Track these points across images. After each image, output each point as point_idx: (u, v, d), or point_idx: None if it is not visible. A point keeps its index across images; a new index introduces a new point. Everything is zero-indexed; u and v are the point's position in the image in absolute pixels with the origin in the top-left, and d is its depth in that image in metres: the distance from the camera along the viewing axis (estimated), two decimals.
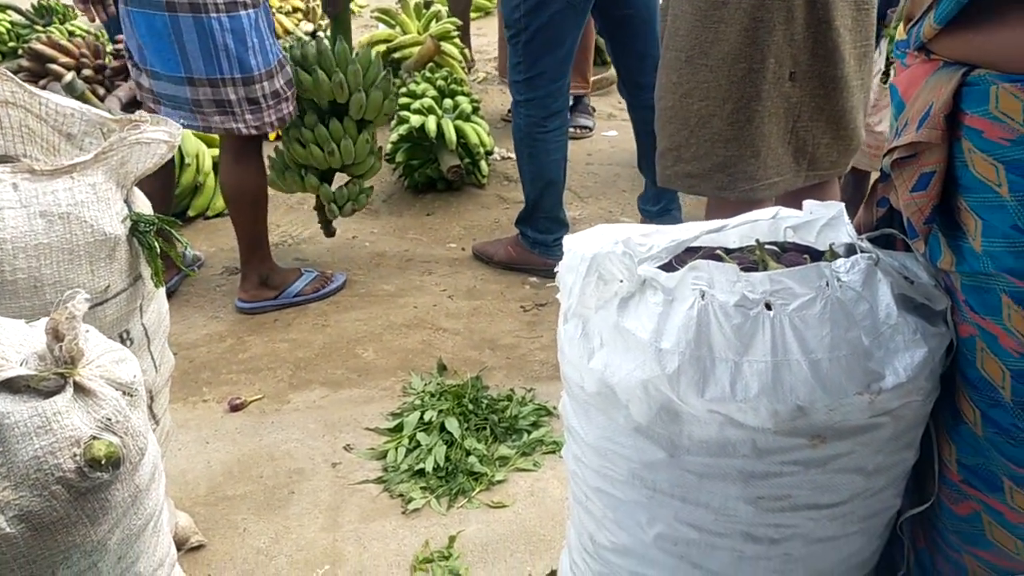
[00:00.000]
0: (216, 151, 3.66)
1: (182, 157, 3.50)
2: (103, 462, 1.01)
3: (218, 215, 3.70)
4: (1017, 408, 1.04)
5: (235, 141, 2.77)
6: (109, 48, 4.90)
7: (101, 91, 4.66)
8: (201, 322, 2.91)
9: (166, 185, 3.00)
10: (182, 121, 2.62)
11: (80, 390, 1.04)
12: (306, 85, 2.89)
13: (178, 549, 1.91)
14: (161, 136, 1.44)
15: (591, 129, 4.66)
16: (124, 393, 1.08)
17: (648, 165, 3.08)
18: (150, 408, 1.67)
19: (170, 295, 3.02)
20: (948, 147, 1.02)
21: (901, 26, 1.13)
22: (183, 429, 2.34)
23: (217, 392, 2.53)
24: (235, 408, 2.44)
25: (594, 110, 4.78)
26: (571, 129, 4.48)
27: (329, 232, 3.27)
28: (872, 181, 1.23)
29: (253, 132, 2.70)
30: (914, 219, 1.08)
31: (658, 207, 3.30)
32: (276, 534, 1.97)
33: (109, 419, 1.04)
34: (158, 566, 1.31)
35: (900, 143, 1.05)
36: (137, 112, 1.50)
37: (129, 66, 2.79)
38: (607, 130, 4.76)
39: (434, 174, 3.82)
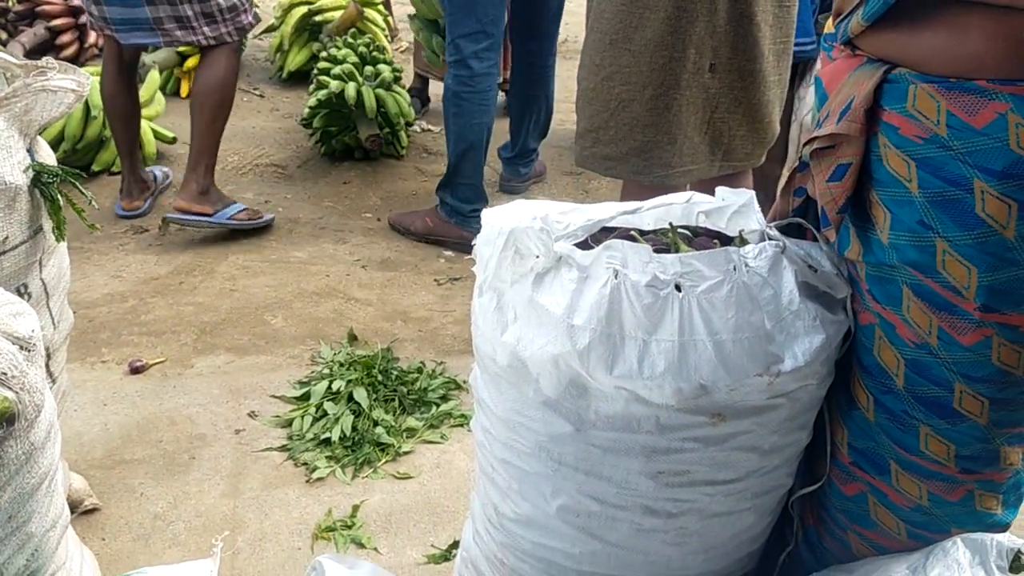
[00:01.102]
0: None
1: (88, 109, 3.36)
2: None
3: None
4: (908, 395, 1.09)
5: (206, 50, 2.97)
6: None
7: (3, 36, 4.44)
8: (102, 281, 2.81)
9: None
10: (144, 40, 2.89)
11: None
12: None
13: (71, 512, 1.86)
14: (68, 84, 1.38)
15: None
16: (21, 348, 1.04)
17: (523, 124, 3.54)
18: (47, 366, 1.61)
19: (142, 215, 3.21)
20: (865, 141, 1.06)
21: (830, 20, 1.16)
22: (80, 390, 2.27)
23: (117, 353, 2.45)
24: (135, 371, 2.37)
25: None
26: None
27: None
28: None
29: (212, 43, 2.91)
30: (828, 208, 1.11)
31: (512, 155, 3.68)
32: (174, 499, 1.93)
33: (4, 373, 1.01)
34: (50, 527, 1.27)
35: (820, 134, 1.09)
36: (44, 58, 1.43)
37: None
38: None
39: (352, 142, 3.77)
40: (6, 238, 1.36)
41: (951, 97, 0.95)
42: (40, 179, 1.39)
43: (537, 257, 1.09)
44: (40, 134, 1.45)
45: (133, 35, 2.88)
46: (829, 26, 1.16)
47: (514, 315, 1.12)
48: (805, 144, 1.13)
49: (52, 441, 1.18)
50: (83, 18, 4.60)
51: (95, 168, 3.49)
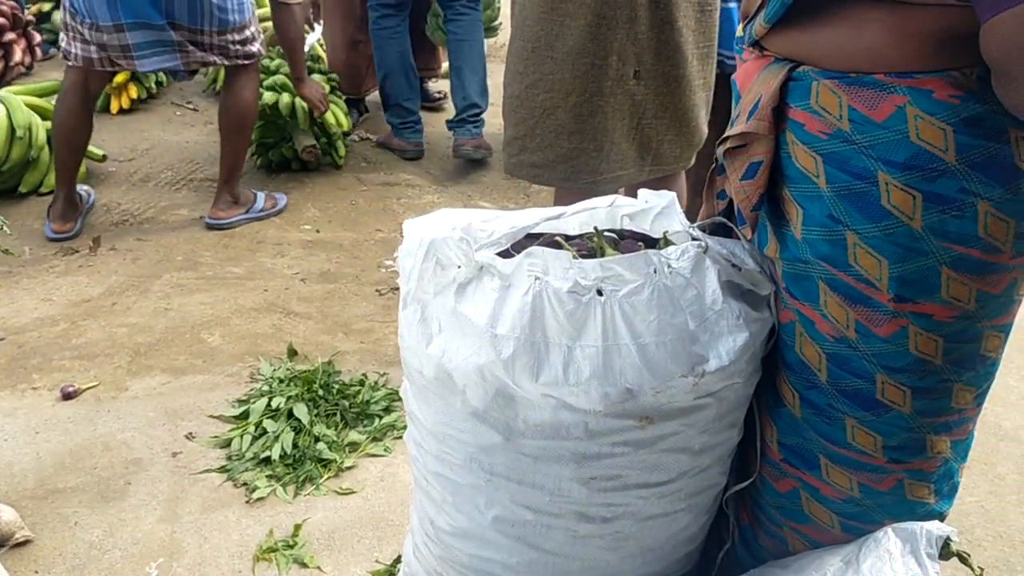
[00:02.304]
0: (50, 123, 3.45)
1: (12, 130, 3.26)
2: None
3: (52, 192, 3.47)
4: (832, 389, 1.11)
5: (231, 71, 3.18)
6: None
7: None
8: (31, 305, 2.73)
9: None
10: (164, 64, 3.02)
11: None
12: None
13: (2, 545, 1.80)
14: None
15: (441, 93, 4.76)
16: None
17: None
18: None
19: (74, 237, 3.18)
20: (775, 139, 1.08)
21: (740, 25, 1.18)
22: (10, 419, 2.20)
23: (48, 379, 2.38)
24: (68, 396, 2.31)
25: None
26: (436, 94, 4.67)
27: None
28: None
29: (226, 64, 3.13)
30: (742, 206, 1.14)
31: (458, 116, 3.96)
32: (110, 527, 1.88)
33: None
34: None
35: (732, 133, 1.11)
36: None
37: (82, 28, 2.91)
38: None
39: (289, 154, 3.72)
40: None
41: (851, 92, 0.97)
42: None
43: (458, 267, 1.08)
44: None
45: (153, 60, 2.99)
46: (739, 30, 1.18)
47: (438, 327, 1.10)
48: (718, 144, 1.14)
49: None
50: (7, 36, 4.47)
51: (22, 190, 3.39)
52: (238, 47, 3.11)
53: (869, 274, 1.02)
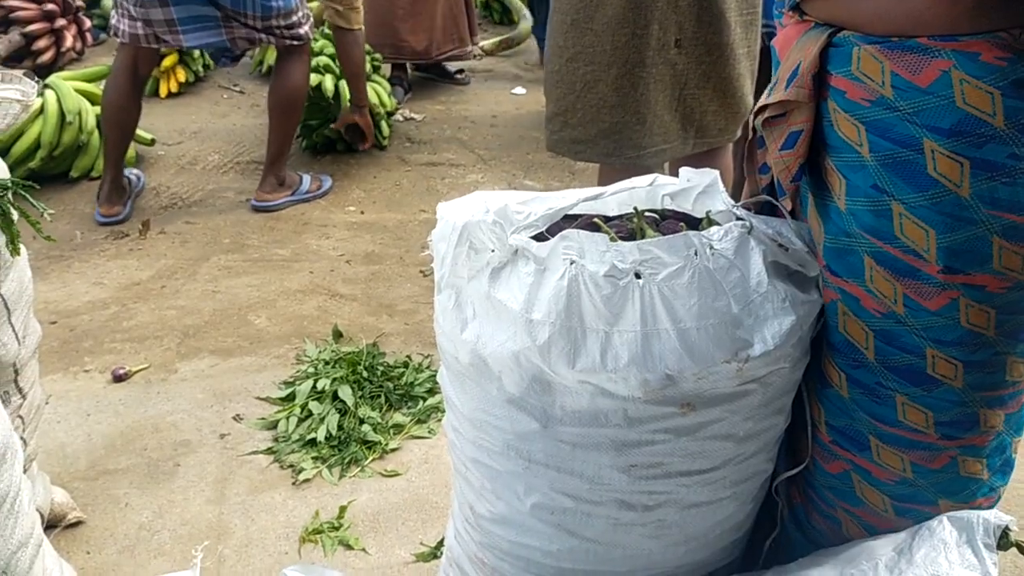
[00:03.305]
0: (99, 109, 3.49)
1: (63, 115, 3.31)
2: None
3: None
4: (880, 367, 1.08)
5: (281, 54, 3.20)
6: None
7: None
8: (83, 288, 2.78)
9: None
10: (210, 39, 3.04)
11: None
12: None
13: (55, 526, 1.84)
14: (13, 95, 1.35)
15: (463, 72, 4.74)
16: None
17: None
18: (15, 383, 1.59)
19: (123, 220, 3.20)
20: (816, 107, 1.04)
21: None
22: (63, 401, 2.24)
23: (100, 362, 2.42)
24: (119, 378, 2.34)
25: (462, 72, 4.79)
26: (458, 75, 4.65)
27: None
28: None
29: (273, 43, 3.13)
30: (782, 177, 1.11)
31: None
32: (159, 508, 1.91)
33: None
34: (18, 548, 1.25)
35: (770, 101, 1.08)
36: None
37: (128, 5, 2.96)
38: (515, 88, 4.72)
39: (333, 135, 3.72)
40: None
41: (894, 57, 0.94)
42: None
43: (492, 251, 1.06)
44: (11, 144, 1.41)
45: (198, 35, 3.00)
46: None
47: (473, 312, 1.08)
48: (756, 113, 1.11)
49: (9, 463, 1.15)
50: (58, 22, 4.54)
51: (73, 174, 3.45)
52: (284, 31, 3.10)
53: (916, 245, 0.98)
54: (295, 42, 3.16)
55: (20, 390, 1.60)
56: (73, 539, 1.83)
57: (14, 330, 1.51)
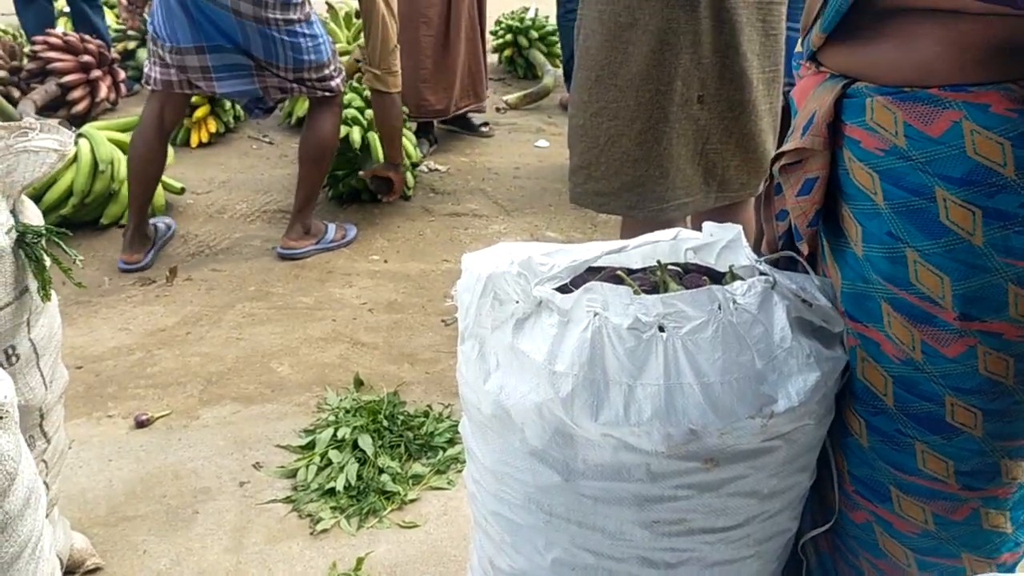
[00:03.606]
0: None
1: (96, 164, 3.38)
2: None
3: None
4: (900, 414, 1.07)
5: (313, 105, 3.28)
6: (26, 49, 4.75)
7: (16, 94, 4.51)
8: (109, 334, 2.81)
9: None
10: (242, 87, 3.11)
11: None
12: None
13: (73, 572, 1.83)
14: (51, 144, 1.38)
15: (488, 124, 4.81)
16: None
17: None
18: (40, 427, 1.60)
19: (144, 268, 3.27)
20: (831, 156, 1.07)
21: (800, 40, 1.17)
22: (85, 446, 2.25)
23: (123, 407, 2.44)
24: (141, 424, 2.35)
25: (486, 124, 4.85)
26: (483, 127, 4.71)
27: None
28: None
29: (304, 93, 3.20)
30: (799, 222, 1.13)
31: None
32: (177, 556, 1.90)
33: None
34: None
35: (786, 149, 1.11)
36: (26, 119, 1.43)
37: (163, 53, 3.06)
38: (538, 140, 4.76)
39: (359, 185, 3.77)
40: None
41: (906, 108, 0.96)
42: (24, 240, 1.38)
43: (516, 302, 1.06)
44: (36, 192, 1.45)
45: (231, 83, 3.09)
46: (799, 46, 1.17)
47: (496, 362, 1.08)
48: (773, 161, 1.14)
49: (33, 508, 1.15)
50: (93, 74, 4.66)
51: (104, 221, 3.51)
52: (316, 83, 3.18)
53: (932, 292, 0.99)
54: (327, 94, 3.23)
55: (45, 434, 1.61)
56: None
57: (42, 375, 1.52)
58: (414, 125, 4.27)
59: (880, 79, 0.99)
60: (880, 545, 1.17)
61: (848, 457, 1.16)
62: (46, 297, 1.44)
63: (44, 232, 1.40)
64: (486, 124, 4.83)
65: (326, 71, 3.18)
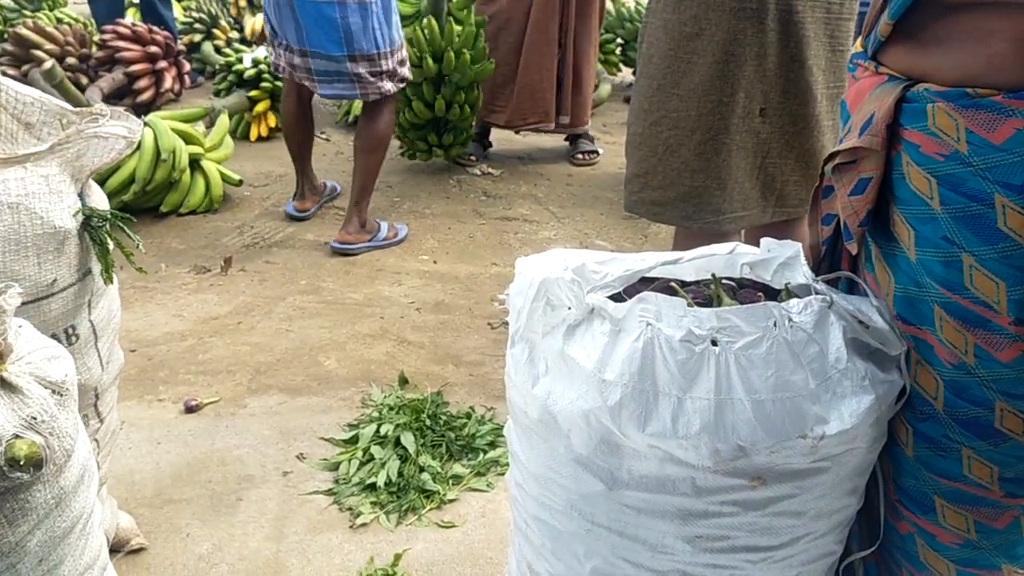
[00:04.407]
0: (193, 147, 3.64)
1: (158, 153, 3.46)
2: (23, 462, 0.98)
3: (191, 212, 3.66)
4: (948, 419, 1.07)
5: (376, 106, 3.34)
6: (95, 38, 4.87)
7: (84, 80, 4.64)
8: (163, 320, 2.87)
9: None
10: (343, 92, 3.27)
11: (6, 386, 1.01)
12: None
13: (118, 551, 1.87)
14: (120, 131, 1.41)
15: (598, 153, 4.65)
16: (53, 392, 1.05)
17: None
18: (95, 406, 1.64)
19: (310, 218, 3.70)
20: (887, 158, 1.07)
21: (859, 40, 1.17)
22: (135, 428, 2.30)
23: (174, 392, 2.49)
24: (190, 409, 2.40)
25: (593, 139, 4.75)
26: (579, 155, 4.55)
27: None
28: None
29: (395, 89, 3.33)
30: (849, 221, 1.12)
31: None
32: (219, 541, 1.93)
33: (34, 418, 1.01)
34: (86, 569, 1.27)
35: (842, 148, 1.10)
36: (98, 105, 1.47)
37: (275, 48, 3.32)
38: (592, 148, 4.75)
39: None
40: (54, 280, 1.38)
41: (968, 115, 0.95)
42: (90, 223, 1.42)
43: (569, 308, 1.06)
44: (101, 177, 1.49)
45: (333, 87, 3.26)
46: (858, 46, 1.16)
47: (545, 367, 1.08)
48: (827, 160, 1.13)
49: (86, 484, 1.18)
50: (159, 64, 4.77)
51: (163, 209, 3.59)
52: (399, 72, 3.32)
53: (987, 297, 0.98)
54: (400, 86, 3.37)
55: (99, 414, 1.65)
56: (134, 565, 1.86)
57: (99, 355, 1.56)
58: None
59: (943, 79, 0.98)
60: (921, 558, 1.16)
61: (894, 466, 1.15)
62: (108, 280, 1.47)
63: (109, 216, 1.44)
64: (583, 153, 4.60)
65: (403, 53, 3.33)
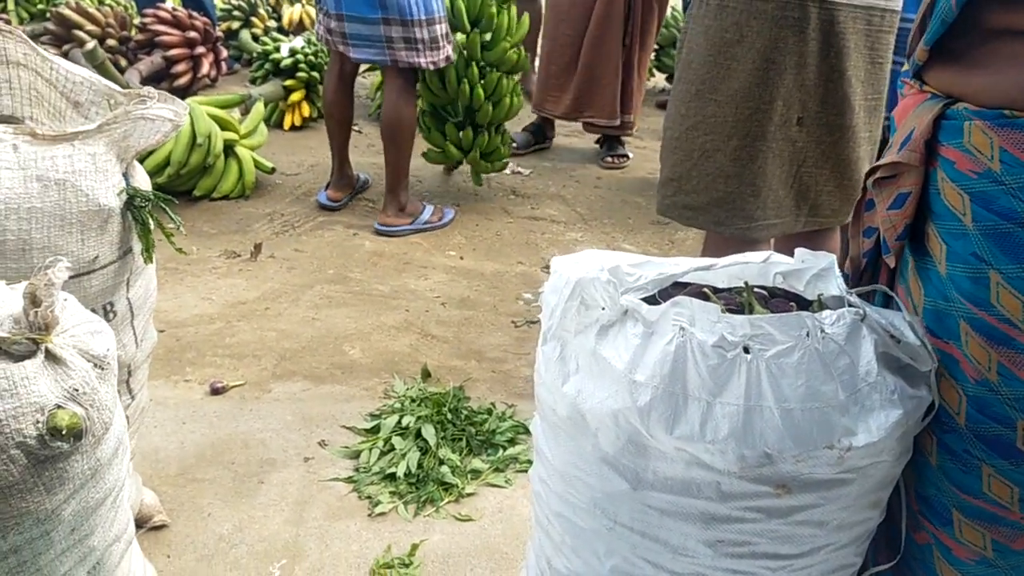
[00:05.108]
0: (228, 133, 3.68)
1: (194, 137, 3.50)
2: (65, 432, 1.01)
3: (223, 197, 3.70)
4: (970, 434, 1.07)
5: (399, 79, 3.35)
6: (136, 20, 4.93)
7: (123, 62, 4.70)
8: (192, 302, 2.91)
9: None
10: (373, 57, 3.28)
11: (51, 357, 1.03)
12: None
13: (140, 527, 1.90)
14: (166, 114, 1.44)
15: (628, 158, 4.66)
16: (95, 365, 1.08)
17: None
18: (127, 383, 1.67)
19: (341, 208, 3.71)
20: (925, 173, 1.09)
21: (907, 59, 1.19)
22: (161, 407, 2.34)
23: (200, 374, 2.52)
24: (216, 391, 2.43)
25: (624, 143, 4.75)
26: (608, 159, 4.55)
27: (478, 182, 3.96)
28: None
29: (431, 66, 3.32)
30: (887, 235, 1.14)
31: None
32: (240, 522, 1.96)
33: (76, 389, 1.04)
34: (114, 541, 1.30)
35: (883, 163, 1.13)
36: (146, 88, 1.50)
37: (321, 14, 3.36)
38: (622, 151, 4.76)
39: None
40: (96, 257, 1.41)
41: (1004, 134, 0.97)
42: (133, 202, 1.45)
43: (603, 309, 1.07)
44: (138, 159, 1.52)
45: (364, 51, 3.27)
46: (906, 65, 1.18)
47: (576, 366, 1.10)
48: (868, 175, 1.16)
49: (119, 458, 1.21)
50: (197, 50, 4.82)
51: (196, 193, 3.63)
52: (441, 46, 3.30)
53: (1012, 315, 0.99)
54: (439, 66, 3.37)
55: (130, 390, 1.68)
56: (155, 541, 1.89)
57: (135, 333, 1.59)
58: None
59: (981, 100, 1.00)
60: (937, 570, 1.17)
61: (916, 474, 1.16)
62: (148, 259, 1.50)
63: (152, 197, 1.47)
64: (613, 156, 4.60)
65: (443, 28, 3.33)
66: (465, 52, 3.62)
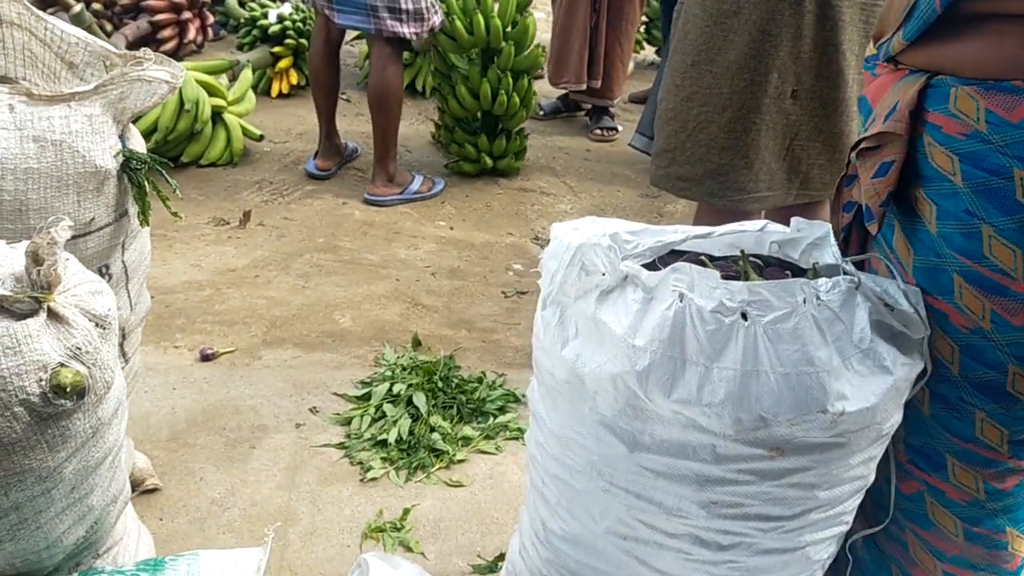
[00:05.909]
0: (216, 100, 3.65)
1: (181, 103, 3.47)
2: (68, 390, 1.01)
3: (211, 164, 3.68)
4: (964, 382, 1.13)
5: (386, 48, 3.31)
6: None
7: (108, 27, 4.63)
8: (182, 268, 2.90)
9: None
10: (357, 24, 3.24)
11: (53, 316, 1.04)
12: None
13: (133, 490, 1.91)
14: (163, 76, 1.43)
15: (617, 131, 4.66)
16: (97, 325, 1.08)
17: None
18: (121, 346, 1.67)
19: (330, 177, 3.69)
20: (909, 142, 1.13)
21: (871, 44, 1.24)
22: (152, 373, 2.34)
23: (190, 340, 2.52)
24: (206, 358, 2.43)
25: (614, 116, 4.76)
26: (597, 131, 4.57)
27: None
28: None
29: (412, 37, 3.29)
30: (871, 202, 1.18)
31: None
32: (232, 486, 1.97)
33: (79, 348, 1.04)
34: (111, 501, 1.31)
35: (868, 134, 1.17)
36: (142, 49, 1.49)
37: None
38: (611, 124, 4.76)
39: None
40: (92, 219, 1.41)
41: (989, 96, 1.02)
42: (129, 165, 1.44)
43: (603, 274, 1.09)
44: (133, 122, 1.51)
45: (349, 17, 3.24)
46: (871, 49, 1.23)
47: (575, 331, 1.11)
48: (852, 148, 1.20)
49: (119, 418, 1.21)
50: (184, 15, 4.76)
51: (183, 159, 3.61)
52: (427, 18, 3.29)
53: (1005, 265, 1.05)
54: (424, 37, 3.36)
55: (124, 354, 1.68)
56: (148, 504, 1.90)
57: (129, 296, 1.59)
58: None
59: (964, 73, 1.05)
60: (929, 515, 1.22)
61: (906, 425, 1.19)
62: (144, 222, 1.50)
63: (148, 160, 1.46)
64: (603, 129, 4.63)
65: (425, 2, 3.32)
66: (496, 61, 3.69)
